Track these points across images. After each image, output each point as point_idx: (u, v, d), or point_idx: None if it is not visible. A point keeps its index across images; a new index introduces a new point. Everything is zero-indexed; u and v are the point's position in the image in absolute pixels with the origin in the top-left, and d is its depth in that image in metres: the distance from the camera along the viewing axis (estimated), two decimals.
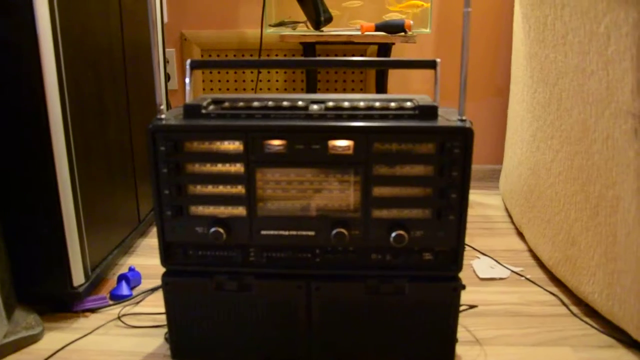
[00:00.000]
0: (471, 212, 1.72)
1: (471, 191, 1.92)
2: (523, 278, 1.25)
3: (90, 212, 1.11)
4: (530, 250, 1.40)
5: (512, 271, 1.28)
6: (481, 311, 1.10)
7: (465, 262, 1.32)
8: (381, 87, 1.76)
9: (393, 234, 0.80)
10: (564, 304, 1.12)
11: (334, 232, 0.80)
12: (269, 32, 1.77)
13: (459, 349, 0.96)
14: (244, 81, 2.01)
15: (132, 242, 1.40)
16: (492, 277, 1.25)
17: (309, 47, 1.68)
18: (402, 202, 0.80)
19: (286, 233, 0.83)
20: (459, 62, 2.03)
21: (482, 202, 1.82)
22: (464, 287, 0.85)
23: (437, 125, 0.76)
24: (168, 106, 1.74)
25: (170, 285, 0.87)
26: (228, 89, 2.02)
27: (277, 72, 1.98)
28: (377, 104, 0.82)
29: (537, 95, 1.31)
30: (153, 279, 1.23)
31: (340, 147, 0.78)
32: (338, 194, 0.80)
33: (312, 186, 0.80)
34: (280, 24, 1.75)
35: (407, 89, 2.01)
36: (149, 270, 1.27)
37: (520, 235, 1.50)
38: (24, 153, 0.97)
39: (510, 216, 1.64)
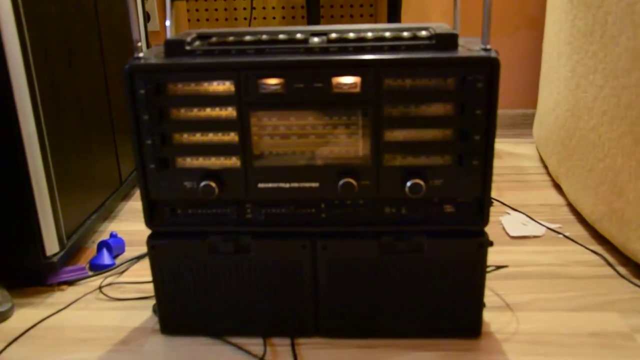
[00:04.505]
0: (500, 163, 1.72)
1: (501, 139, 1.93)
2: (561, 236, 1.26)
3: (63, 172, 1.12)
4: (569, 205, 1.40)
5: (548, 228, 1.29)
6: (512, 273, 1.11)
7: (493, 218, 1.33)
8: (394, 19, 1.75)
9: (408, 184, 0.80)
10: (609, 264, 1.13)
11: (341, 182, 0.81)
12: None
13: (487, 315, 0.97)
14: (235, 19, 1.99)
15: (114, 206, 1.42)
16: (524, 235, 1.26)
17: None
18: (418, 146, 0.81)
19: (287, 185, 0.83)
20: None
21: (512, 152, 1.82)
22: (491, 243, 0.86)
23: (457, 56, 0.76)
24: (148, 47, 1.73)
25: (156, 249, 0.88)
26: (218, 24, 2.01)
27: (273, 9, 1.96)
28: (388, 34, 0.82)
29: (577, 22, 1.30)
30: (138, 246, 1.25)
31: (345, 84, 0.78)
32: (345, 139, 0.81)
33: (314, 131, 0.81)
34: None
35: (425, 22, 1.99)
36: (133, 237, 1.29)
37: (558, 187, 1.51)
38: None
39: (545, 166, 1.64)
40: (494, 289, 1.05)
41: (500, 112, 2.04)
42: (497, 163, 1.70)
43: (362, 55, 0.77)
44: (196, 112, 0.81)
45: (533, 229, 1.29)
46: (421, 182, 0.80)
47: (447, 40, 0.79)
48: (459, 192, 0.83)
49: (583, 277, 1.09)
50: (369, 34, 0.82)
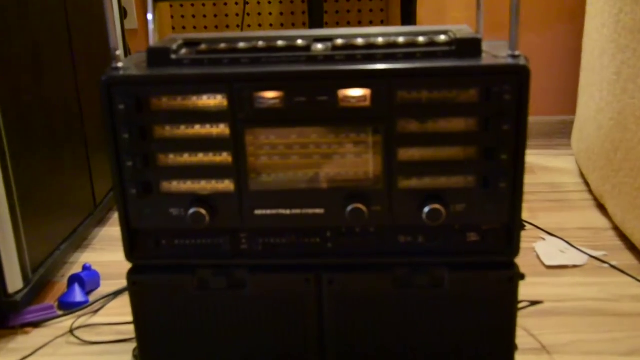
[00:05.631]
0: (534, 180, 1.73)
1: (534, 151, 1.94)
2: (606, 265, 1.26)
3: (28, 195, 1.13)
4: (616, 228, 1.41)
5: (591, 256, 1.30)
6: (549, 309, 1.12)
7: (525, 245, 1.31)
8: (408, 20, 1.76)
9: (426, 209, 0.82)
10: None
11: (350, 208, 0.82)
12: None
13: (520, 359, 0.97)
14: (226, 15, 2.01)
15: (87, 233, 1.44)
16: (563, 264, 1.27)
17: None
18: (436, 166, 0.82)
19: (287, 212, 0.85)
20: None
21: (548, 166, 1.83)
22: (523, 276, 0.87)
23: (480, 65, 0.78)
24: (126, 52, 1.75)
25: (138, 286, 0.90)
26: (206, 28, 2.03)
27: (269, 3, 1.98)
28: (401, 39, 0.83)
29: (623, 17, 1.31)
30: (116, 280, 1.26)
31: (353, 97, 0.80)
32: (353, 159, 0.82)
33: (319, 150, 0.82)
34: None
35: (444, 22, 2.00)
36: (109, 269, 1.30)
37: (602, 208, 1.51)
38: None
39: (587, 183, 1.65)
40: (528, 328, 1.06)
41: (534, 119, 2.04)
42: (530, 179, 1.71)
43: (373, 64, 0.79)
44: (184, 130, 0.83)
45: (573, 257, 1.30)
46: (441, 207, 0.81)
47: (469, 46, 0.80)
48: (484, 218, 0.84)
49: (633, 315, 1.09)
50: (380, 40, 0.83)
